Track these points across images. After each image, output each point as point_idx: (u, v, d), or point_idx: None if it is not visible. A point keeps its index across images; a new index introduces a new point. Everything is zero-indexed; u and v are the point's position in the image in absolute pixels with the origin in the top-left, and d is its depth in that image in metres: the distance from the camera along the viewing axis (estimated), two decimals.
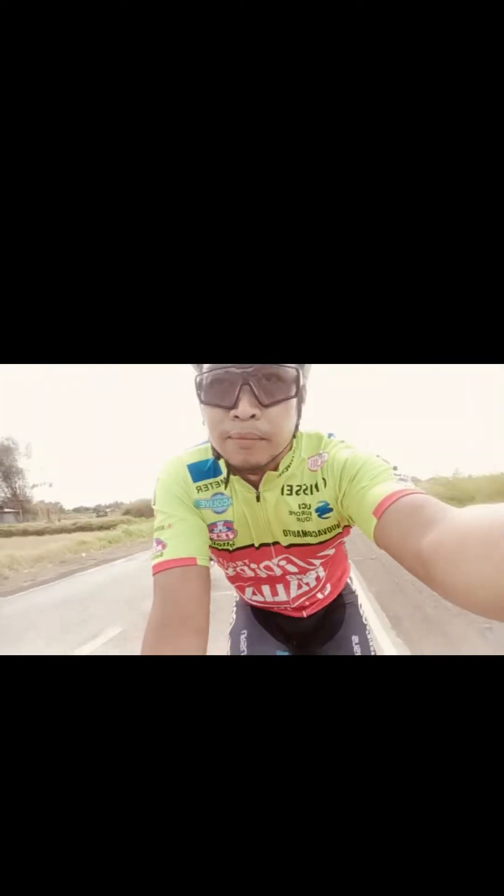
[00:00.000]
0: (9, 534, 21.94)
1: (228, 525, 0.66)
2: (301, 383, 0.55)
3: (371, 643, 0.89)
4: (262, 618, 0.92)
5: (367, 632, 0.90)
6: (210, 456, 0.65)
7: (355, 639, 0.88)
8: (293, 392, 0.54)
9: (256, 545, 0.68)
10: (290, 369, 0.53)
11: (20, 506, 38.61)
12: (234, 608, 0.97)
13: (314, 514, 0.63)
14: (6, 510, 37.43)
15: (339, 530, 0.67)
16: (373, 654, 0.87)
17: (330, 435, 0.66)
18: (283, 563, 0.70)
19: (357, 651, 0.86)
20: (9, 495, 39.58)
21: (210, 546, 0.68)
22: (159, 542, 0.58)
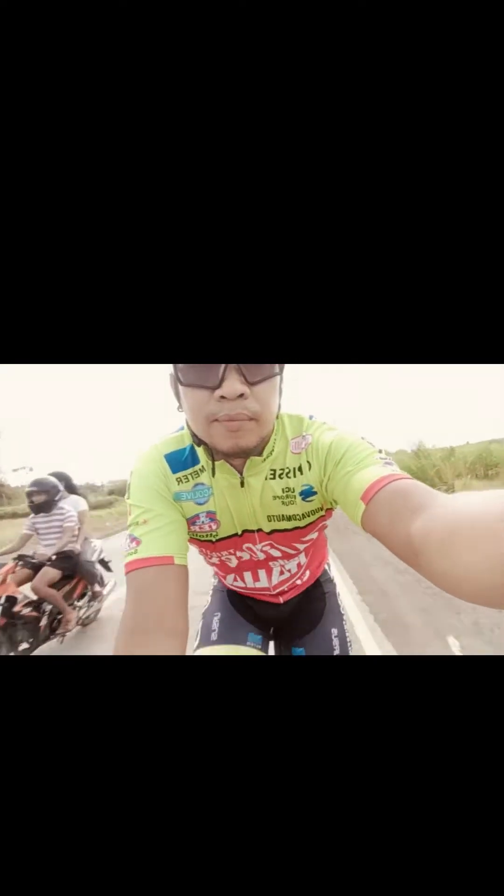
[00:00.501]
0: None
1: (211, 516, 0.63)
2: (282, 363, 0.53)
3: (348, 634, 0.89)
4: (237, 601, 0.90)
5: (344, 622, 0.90)
6: (187, 444, 0.61)
7: (334, 632, 0.87)
8: (278, 369, 0.52)
9: (240, 532, 0.66)
10: None
11: None
12: (210, 591, 0.95)
13: (298, 498, 0.62)
14: None
15: (322, 513, 0.65)
16: (349, 645, 0.87)
17: (311, 417, 0.64)
18: (266, 548, 0.69)
19: (336, 645, 0.85)
20: None
21: (192, 538, 0.66)
22: (133, 538, 0.54)
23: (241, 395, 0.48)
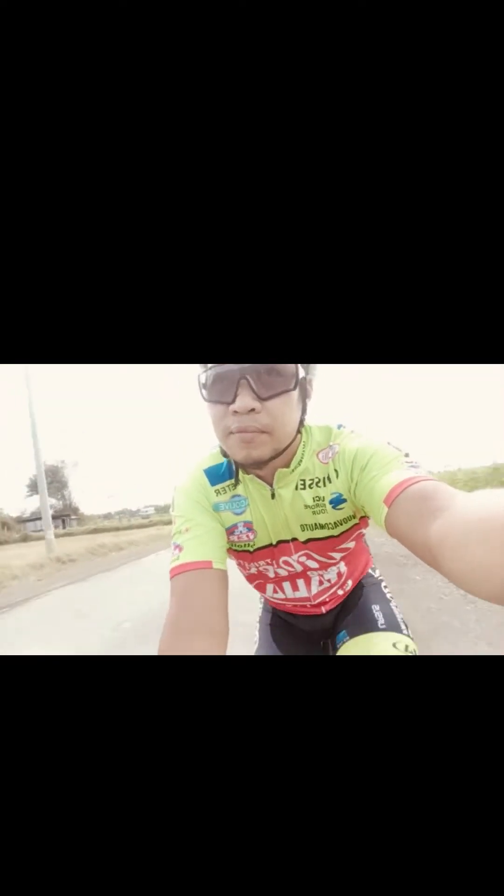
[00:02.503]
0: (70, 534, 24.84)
1: (248, 525, 0.66)
2: (301, 377, 0.56)
3: (396, 610, 0.84)
4: (281, 634, 0.90)
5: (390, 602, 0.86)
6: (223, 459, 0.66)
7: (376, 607, 0.84)
8: (292, 385, 0.54)
9: (275, 542, 0.68)
10: (287, 364, 0.53)
11: (73, 512, 41.76)
12: (258, 624, 0.96)
13: (328, 506, 0.63)
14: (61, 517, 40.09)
15: (356, 521, 0.67)
16: (399, 618, 0.83)
17: (339, 426, 0.66)
18: (302, 558, 0.70)
19: (380, 619, 0.82)
20: (60, 506, 42.79)
21: (231, 549, 0.69)
22: (177, 546, 0.59)
23: (252, 410, 0.52)
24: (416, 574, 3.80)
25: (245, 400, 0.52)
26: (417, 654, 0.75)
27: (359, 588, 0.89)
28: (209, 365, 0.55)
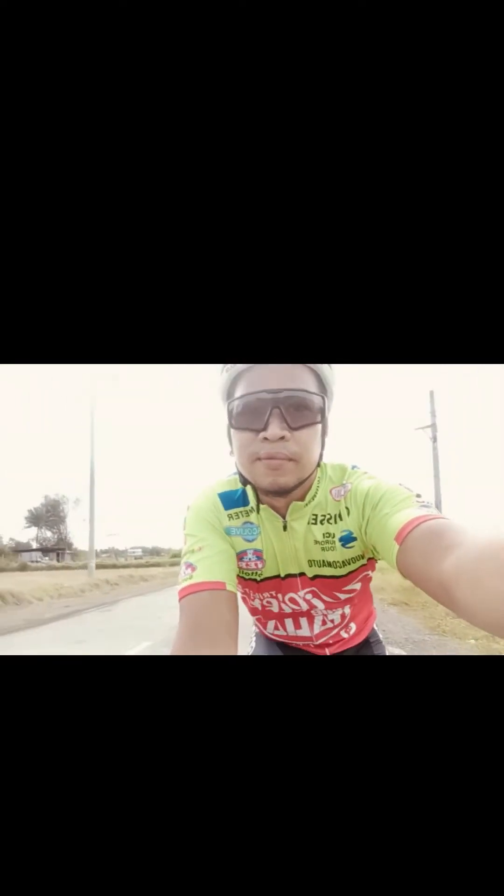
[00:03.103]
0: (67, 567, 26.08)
1: (258, 554, 0.66)
2: (325, 412, 0.59)
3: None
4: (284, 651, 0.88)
5: None
6: (239, 486, 0.67)
7: None
8: (318, 418, 0.58)
9: (283, 575, 0.68)
10: (316, 397, 0.57)
11: (68, 546, 42.60)
12: (253, 640, 0.93)
13: (338, 544, 0.64)
14: (54, 549, 40.93)
15: (364, 562, 0.67)
16: None
17: (353, 466, 0.68)
18: (308, 596, 0.70)
19: None
20: (54, 539, 43.81)
21: (238, 576, 0.68)
22: (189, 565, 0.58)
23: (283, 438, 0.55)
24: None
25: (276, 428, 0.54)
26: None
27: (366, 645, 0.88)
28: (237, 392, 0.58)
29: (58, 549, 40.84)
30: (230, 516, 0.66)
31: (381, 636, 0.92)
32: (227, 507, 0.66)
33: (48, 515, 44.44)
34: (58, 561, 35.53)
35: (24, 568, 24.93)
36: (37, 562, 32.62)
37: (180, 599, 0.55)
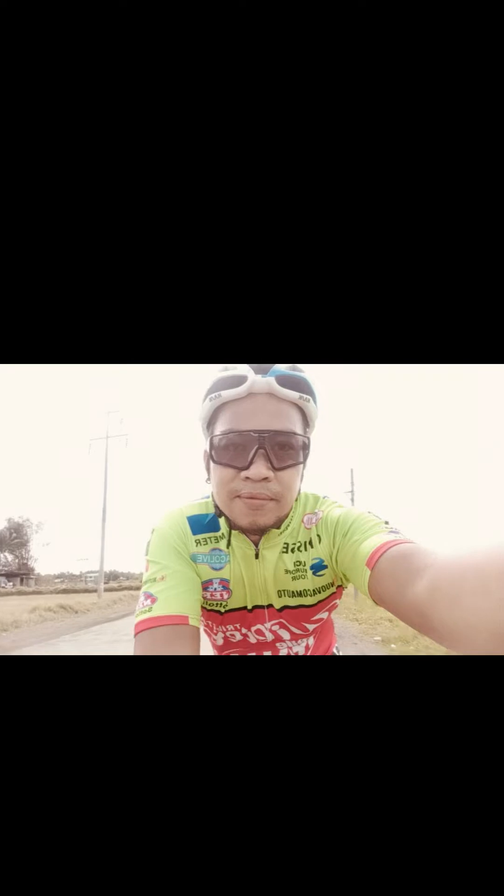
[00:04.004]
0: (23, 593, 27.47)
1: (224, 584, 0.64)
2: (308, 451, 0.58)
3: None
4: None
5: None
6: (210, 510, 0.65)
7: None
8: (301, 458, 0.57)
9: (249, 607, 0.66)
10: (300, 437, 0.56)
11: (28, 571, 43.46)
12: None
13: (309, 572, 0.63)
14: (15, 574, 41.81)
15: (333, 590, 0.67)
16: None
17: (324, 496, 0.69)
18: (275, 627, 0.69)
19: None
20: (15, 565, 44.65)
21: (202, 607, 0.66)
22: (148, 595, 0.55)
23: (266, 479, 0.54)
24: None
25: (260, 468, 0.53)
26: None
27: None
28: (219, 427, 0.57)
29: (22, 574, 41.76)
30: (198, 542, 0.64)
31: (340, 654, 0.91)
32: (195, 532, 0.64)
33: (13, 538, 45.24)
34: (21, 584, 36.79)
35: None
36: (3, 587, 34.04)
37: (136, 634, 0.53)
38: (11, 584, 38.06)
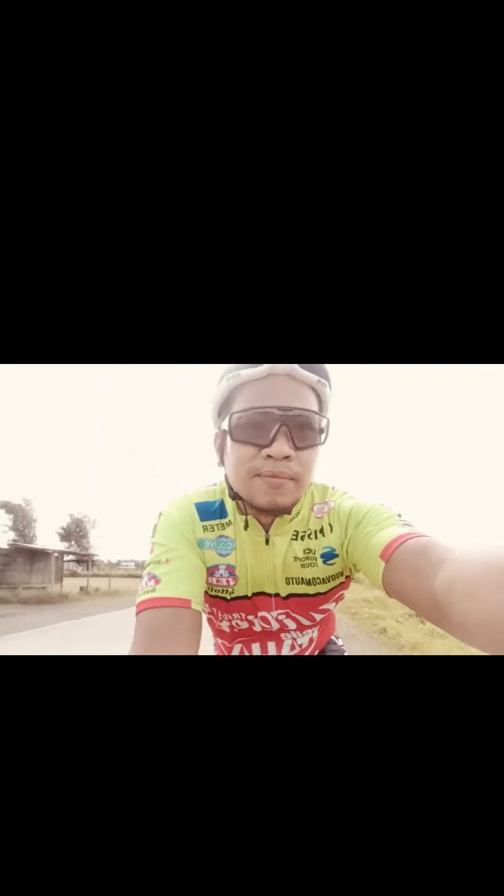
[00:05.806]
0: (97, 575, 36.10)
1: (230, 570, 0.65)
2: (326, 434, 0.59)
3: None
4: None
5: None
6: (218, 497, 0.67)
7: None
8: (321, 439, 0.58)
9: (252, 594, 0.68)
10: (319, 418, 0.57)
11: (89, 558, 53.65)
12: None
13: (319, 560, 0.65)
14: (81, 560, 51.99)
15: (342, 580, 0.68)
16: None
17: (333, 487, 0.70)
18: (282, 616, 0.70)
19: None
20: (79, 552, 54.98)
21: (206, 593, 0.67)
22: (152, 576, 0.56)
23: (287, 457, 0.54)
24: None
25: (282, 447, 0.53)
26: None
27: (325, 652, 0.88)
28: (240, 405, 0.57)
29: (88, 558, 51.58)
30: (205, 528, 0.65)
31: (339, 643, 0.93)
32: (203, 519, 0.65)
33: (77, 531, 55.22)
34: (88, 570, 46.02)
35: (73, 575, 34.60)
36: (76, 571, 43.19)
37: (137, 613, 0.53)
38: (82, 567, 47.34)
